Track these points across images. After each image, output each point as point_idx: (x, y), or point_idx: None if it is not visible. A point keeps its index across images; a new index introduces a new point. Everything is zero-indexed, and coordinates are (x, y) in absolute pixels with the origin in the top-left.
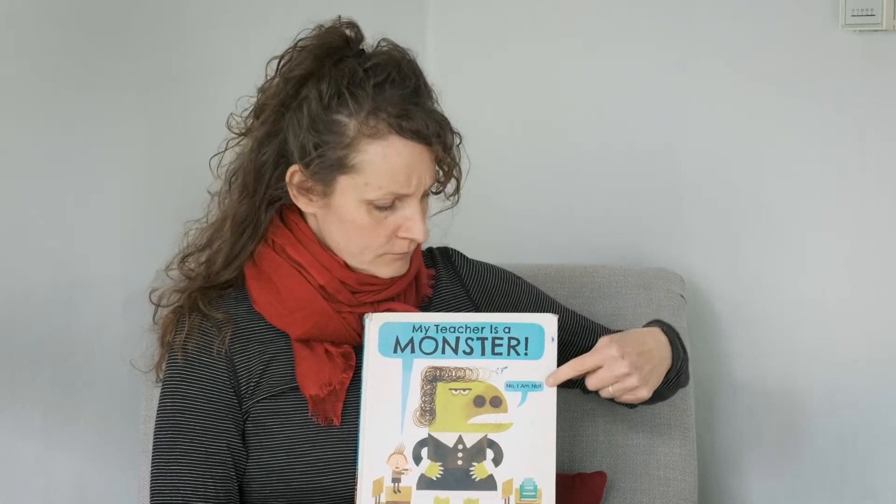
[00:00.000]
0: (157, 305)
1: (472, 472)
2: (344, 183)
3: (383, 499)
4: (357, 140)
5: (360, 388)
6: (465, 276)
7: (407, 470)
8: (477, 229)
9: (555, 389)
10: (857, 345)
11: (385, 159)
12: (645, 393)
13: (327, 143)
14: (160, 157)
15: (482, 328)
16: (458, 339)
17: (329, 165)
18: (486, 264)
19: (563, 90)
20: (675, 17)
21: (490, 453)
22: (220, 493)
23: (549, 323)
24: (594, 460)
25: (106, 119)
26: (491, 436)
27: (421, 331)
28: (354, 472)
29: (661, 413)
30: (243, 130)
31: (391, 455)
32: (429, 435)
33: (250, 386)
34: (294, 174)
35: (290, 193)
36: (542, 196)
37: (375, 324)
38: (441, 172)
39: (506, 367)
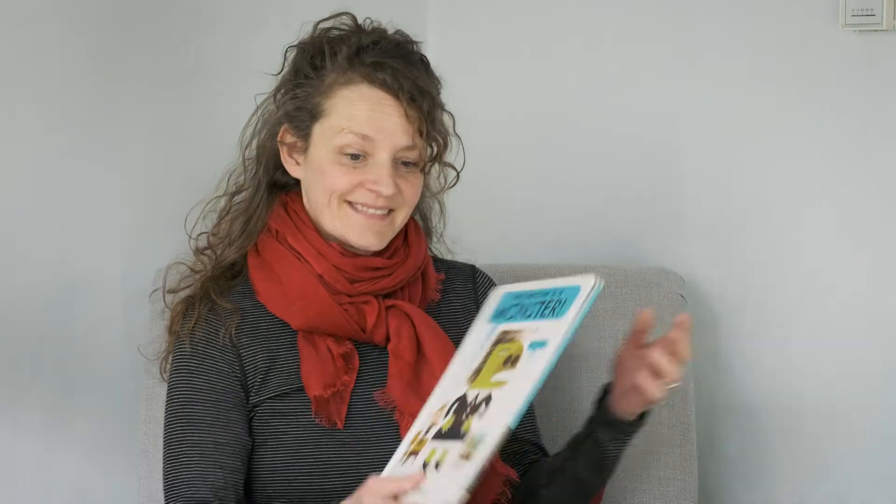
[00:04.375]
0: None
1: (462, 426)
2: (317, 132)
3: (410, 448)
4: (331, 87)
5: (364, 391)
6: (480, 296)
7: (437, 424)
8: (477, 229)
9: (554, 349)
10: (857, 345)
11: (350, 102)
12: None
13: (307, 91)
14: (161, 157)
15: (547, 293)
16: (530, 303)
17: (306, 113)
18: None
19: (563, 90)
20: (675, 16)
21: (483, 408)
22: (230, 484)
23: (586, 283)
24: None
25: (106, 119)
26: (493, 392)
27: (518, 299)
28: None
29: (660, 413)
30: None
31: (437, 410)
32: (465, 392)
33: (256, 381)
34: (284, 133)
35: (283, 159)
36: (543, 196)
37: (500, 292)
38: (428, 148)
39: (538, 328)
